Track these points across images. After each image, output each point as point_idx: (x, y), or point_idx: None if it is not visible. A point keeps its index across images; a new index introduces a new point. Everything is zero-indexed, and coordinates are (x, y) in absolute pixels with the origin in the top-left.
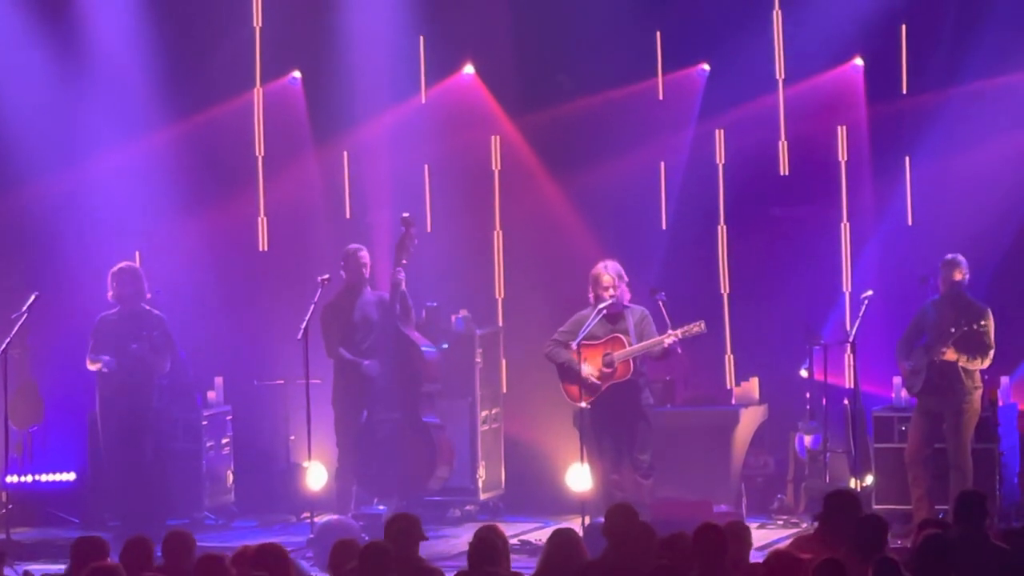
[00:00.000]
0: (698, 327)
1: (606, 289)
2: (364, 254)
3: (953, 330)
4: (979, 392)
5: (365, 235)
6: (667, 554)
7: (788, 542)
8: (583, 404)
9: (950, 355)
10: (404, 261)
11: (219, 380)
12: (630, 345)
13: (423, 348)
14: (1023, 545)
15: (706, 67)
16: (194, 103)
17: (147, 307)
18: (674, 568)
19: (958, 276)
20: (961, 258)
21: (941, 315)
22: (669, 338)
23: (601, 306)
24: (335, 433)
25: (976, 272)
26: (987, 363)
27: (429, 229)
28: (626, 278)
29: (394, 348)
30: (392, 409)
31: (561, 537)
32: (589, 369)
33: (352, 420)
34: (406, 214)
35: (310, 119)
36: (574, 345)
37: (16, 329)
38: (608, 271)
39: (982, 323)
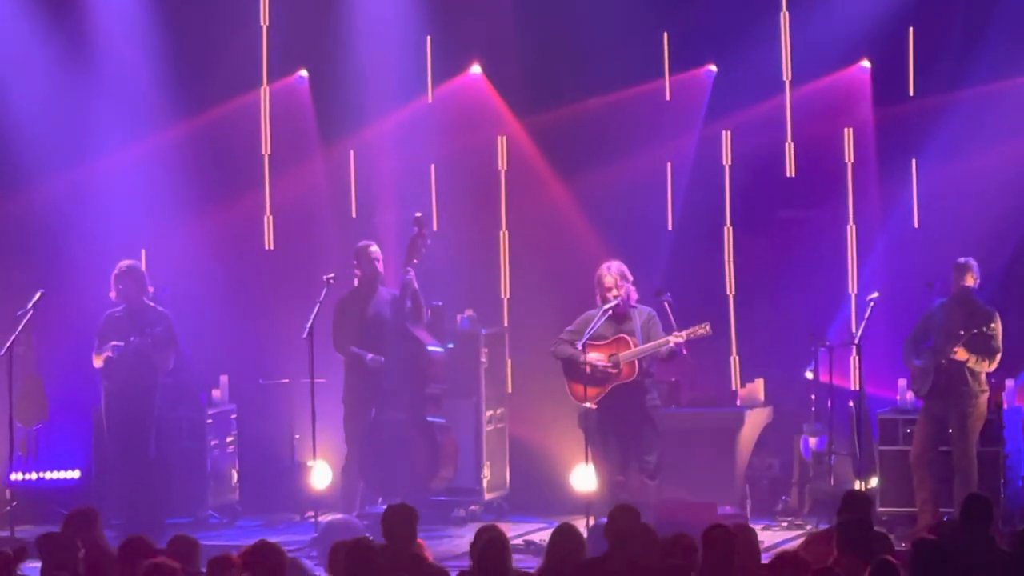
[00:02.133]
0: (703, 329)
1: (609, 290)
2: (375, 249)
3: (962, 332)
4: (985, 396)
5: (372, 235)
6: (670, 555)
7: (799, 542)
8: (588, 404)
9: (961, 354)
10: (415, 261)
11: (224, 378)
12: (636, 346)
13: (429, 347)
14: None
15: (713, 68)
16: (201, 101)
17: (151, 303)
18: (683, 567)
19: (969, 281)
20: (973, 262)
21: (949, 317)
22: (675, 339)
23: (606, 307)
24: (344, 430)
25: (982, 276)
26: (994, 366)
27: (435, 228)
28: (630, 278)
29: (401, 347)
30: (398, 409)
31: (564, 531)
32: (600, 356)
33: (361, 418)
34: (418, 214)
35: (317, 118)
36: (579, 345)
37: (22, 326)
38: (611, 272)
39: (991, 326)
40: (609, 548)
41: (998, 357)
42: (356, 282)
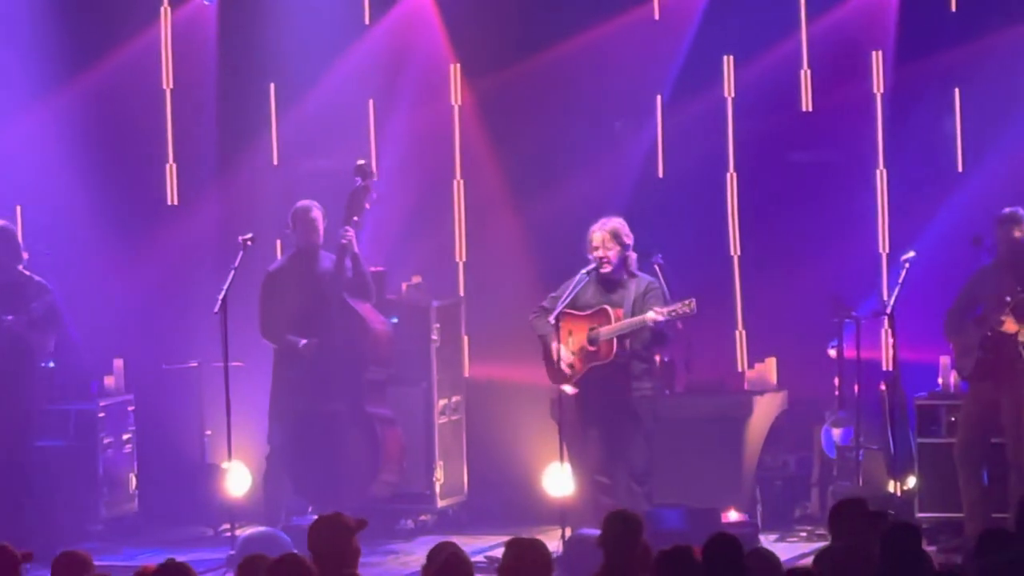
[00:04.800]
0: (687, 307)
1: (596, 250)
2: (317, 213)
3: (1008, 299)
4: None
5: (298, 186)
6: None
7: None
8: (567, 388)
9: (1009, 326)
10: (356, 219)
11: (119, 363)
12: (617, 319)
13: (372, 324)
14: None
15: None
16: (90, 39)
17: (27, 273)
18: None
19: (1018, 234)
20: (1022, 212)
21: (999, 281)
22: (653, 316)
23: (584, 270)
24: (268, 425)
25: None
26: None
27: (375, 178)
28: (628, 240)
29: (338, 324)
30: (333, 399)
31: (519, 547)
32: (571, 341)
33: (287, 412)
34: (361, 161)
35: (228, 47)
36: (552, 316)
37: None
38: (602, 229)
39: None
40: (604, 563)
41: None
42: (286, 251)
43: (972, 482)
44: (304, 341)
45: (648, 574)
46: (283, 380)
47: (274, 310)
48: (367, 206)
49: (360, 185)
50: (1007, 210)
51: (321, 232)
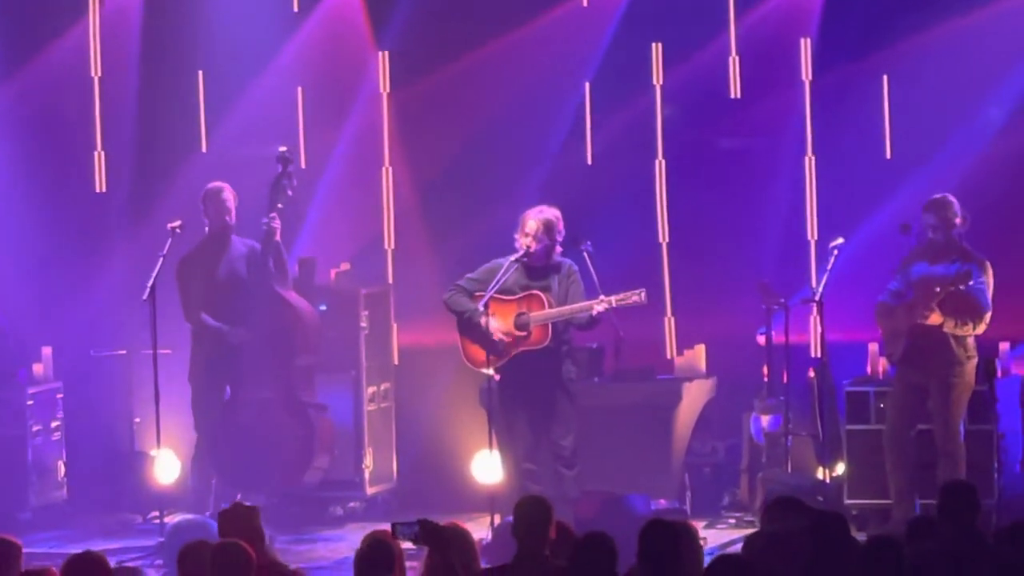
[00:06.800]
0: (637, 296)
1: (526, 236)
2: (228, 195)
3: (938, 289)
4: (973, 362)
5: (227, 174)
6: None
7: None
8: (490, 371)
9: (934, 318)
10: (280, 206)
11: (47, 351)
12: (550, 305)
13: (300, 311)
14: None
15: None
16: (19, 28)
17: None
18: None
19: (949, 220)
20: (952, 198)
21: (929, 269)
22: (600, 305)
23: (513, 257)
24: (192, 415)
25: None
26: (982, 328)
27: (304, 165)
28: (559, 235)
29: (264, 311)
30: (260, 386)
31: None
32: (497, 325)
33: (213, 399)
34: (283, 148)
35: (157, 34)
36: (481, 303)
37: None
38: (538, 217)
39: (981, 279)
40: (517, 551)
41: (987, 317)
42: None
43: (900, 468)
44: (234, 329)
45: (566, 559)
46: (205, 367)
47: (190, 293)
48: (289, 193)
49: (282, 172)
50: (937, 196)
51: (233, 213)
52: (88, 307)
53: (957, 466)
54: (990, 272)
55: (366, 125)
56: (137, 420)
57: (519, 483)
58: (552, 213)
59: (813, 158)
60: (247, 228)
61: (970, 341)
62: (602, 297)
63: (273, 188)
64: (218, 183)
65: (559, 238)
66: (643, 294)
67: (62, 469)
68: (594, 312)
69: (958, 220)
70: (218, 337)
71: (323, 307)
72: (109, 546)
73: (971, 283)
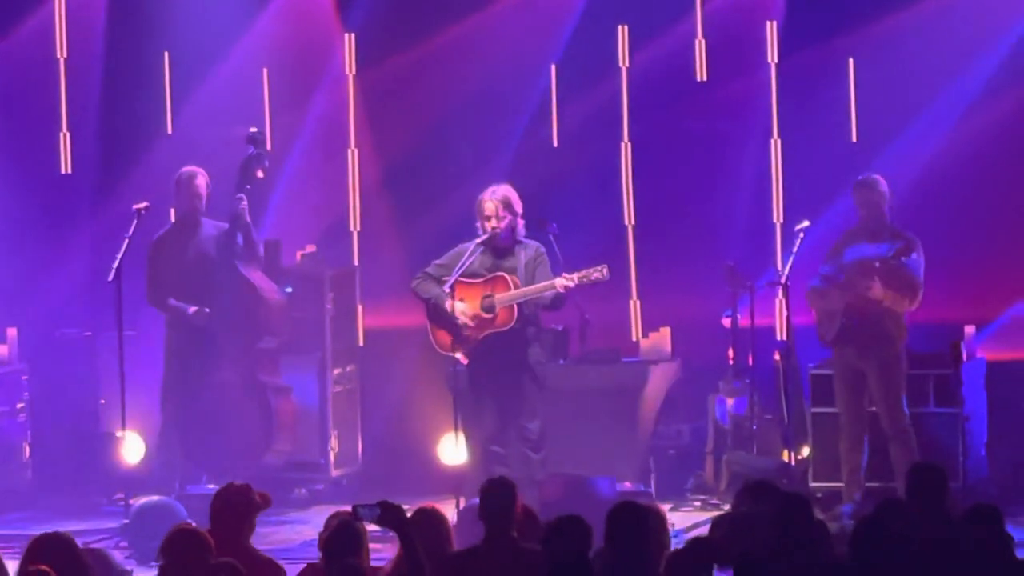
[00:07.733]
0: (599, 273)
1: (488, 219)
2: (201, 181)
3: (878, 264)
4: (905, 340)
5: (194, 154)
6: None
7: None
8: (458, 356)
9: (876, 291)
10: (248, 187)
11: (12, 332)
12: (516, 287)
13: (264, 293)
14: (995, 526)
15: None
16: None
17: None
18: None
19: (876, 199)
20: (879, 177)
21: (863, 249)
22: (563, 283)
23: (479, 239)
24: (160, 396)
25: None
26: (915, 304)
27: (270, 147)
28: (519, 209)
29: (230, 292)
30: (225, 368)
31: (424, 518)
32: (463, 308)
33: (180, 380)
34: (254, 129)
35: (122, 15)
36: (447, 285)
37: None
38: (493, 197)
39: (913, 256)
40: (486, 534)
41: (920, 295)
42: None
43: (853, 450)
44: (193, 308)
45: (533, 542)
46: (176, 349)
47: (159, 277)
48: (259, 174)
49: (252, 154)
50: (863, 177)
51: (204, 199)
52: (53, 288)
53: (909, 446)
54: (921, 251)
55: (331, 107)
56: (103, 401)
57: (485, 466)
58: (505, 188)
59: (779, 141)
60: (214, 209)
61: (902, 318)
62: (564, 275)
63: (243, 169)
64: (192, 168)
65: (519, 210)
66: (605, 270)
67: (27, 450)
68: (559, 289)
69: (886, 199)
70: (183, 318)
71: (288, 289)
72: (74, 527)
73: (903, 259)
